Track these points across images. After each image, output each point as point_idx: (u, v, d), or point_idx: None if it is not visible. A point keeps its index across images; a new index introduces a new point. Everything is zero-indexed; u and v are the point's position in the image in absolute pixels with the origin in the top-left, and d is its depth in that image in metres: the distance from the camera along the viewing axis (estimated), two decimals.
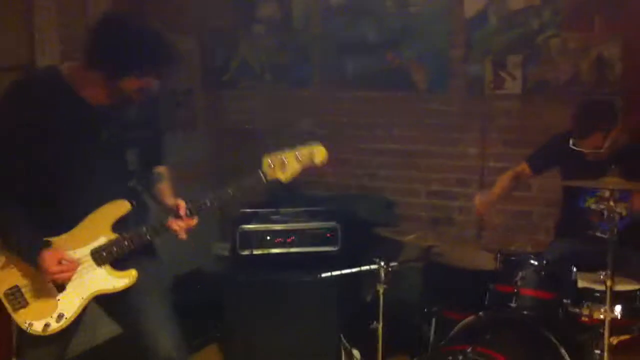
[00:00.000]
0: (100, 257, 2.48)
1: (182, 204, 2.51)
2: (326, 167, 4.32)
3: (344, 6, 4.67)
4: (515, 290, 2.98)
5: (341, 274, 3.25)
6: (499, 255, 3.11)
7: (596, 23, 4.05)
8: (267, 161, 2.55)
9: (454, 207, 4.51)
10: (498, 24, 4.28)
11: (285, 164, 2.56)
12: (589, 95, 3.93)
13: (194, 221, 2.53)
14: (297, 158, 2.58)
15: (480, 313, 3.08)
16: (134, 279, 2.51)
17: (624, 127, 3.39)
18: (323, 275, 3.25)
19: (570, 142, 3.37)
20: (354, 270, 3.16)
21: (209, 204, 2.54)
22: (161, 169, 2.70)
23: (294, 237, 3.80)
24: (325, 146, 2.65)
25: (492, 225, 4.23)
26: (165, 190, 2.64)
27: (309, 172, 4.73)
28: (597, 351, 2.82)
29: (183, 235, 2.52)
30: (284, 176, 2.58)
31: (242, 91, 5.00)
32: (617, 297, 2.82)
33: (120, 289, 2.50)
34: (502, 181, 3.67)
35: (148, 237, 2.49)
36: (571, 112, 3.46)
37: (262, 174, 2.54)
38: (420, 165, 4.60)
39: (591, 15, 4.05)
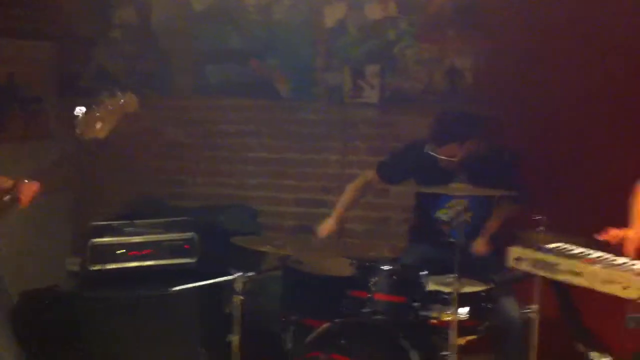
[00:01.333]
0: None
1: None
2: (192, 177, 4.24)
3: (206, 12, 4.60)
4: (369, 296, 3.01)
5: (196, 286, 3.17)
6: (353, 262, 3.13)
7: (449, 35, 4.21)
8: (82, 119, 2.46)
9: (319, 215, 4.52)
10: (357, 33, 4.36)
11: (99, 119, 2.48)
12: (442, 105, 4.07)
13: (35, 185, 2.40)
14: (108, 109, 2.51)
15: (336, 319, 3.09)
16: None
17: (476, 137, 3.52)
18: (175, 288, 3.15)
19: (426, 147, 3.45)
20: (208, 282, 3.09)
21: None
22: None
23: (149, 250, 3.67)
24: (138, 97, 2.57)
25: (351, 233, 4.28)
26: None
27: (175, 182, 4.66)
28: (446, 352, 2.90)
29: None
30: (102, 132, 2.50)
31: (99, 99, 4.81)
32: (464, 299, 2.91)
33: None
34: (347, 195, 3.69)
35: None
36: (428, 120, 3.54)
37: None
38: (288, 173, 4.60)
39: (444, 27, 4.20)
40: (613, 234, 2.58)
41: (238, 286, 3.04)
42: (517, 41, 3.85)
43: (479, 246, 3.36)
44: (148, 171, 4.70)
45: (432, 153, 3.41)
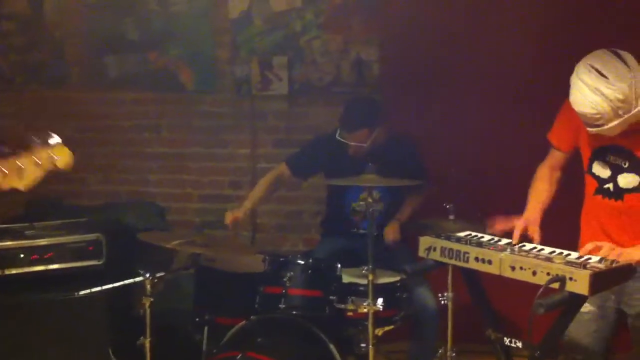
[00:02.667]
0: None
1: None
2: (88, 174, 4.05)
3: (102, 3, 4.42)
4: (284, 291, 2.98)
5: (104, 289, 3.04)
6: (266, 257, 3.09)
7: (354, 25, 4.22)
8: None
9: (226, 210, 4.45)
10: (262, 25, 4.30)
11: (22, 170, 2.28)
12: (350, 95, 4.07)
13: None
14: (35, 162, 2.30)
15: (252, 317, 3.05)
16: None
17: (385, 127, 3.54)
18: (82, 292, 3.01)
19: (337, 133, 3.44)
20: (115, 284, 2.97)
21: None
22: None
23: (52, 253, 3.48)
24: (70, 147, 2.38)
25: (265, 227, 4.23)
26: None
27: (71, 180, 4.44)
28: (363, 344, 2.91)
29: None
30: (22, 184, 2.29)
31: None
32: (379, 290, 2.93)
33: None
34: (259, 187, 3.65)
35: None
36: (337, 111, 3.54)
37: None
38: (192, 168, 4.49)
39: (349, 17, 4.21)
40: (500, 225, 2.65)
41: (147, 287, 2.94)
42: (424, 30, 3.89)
43: (389, 234, 3.39)
44: None
45: (342, 139, 3.41)
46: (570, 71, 2.50)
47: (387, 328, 3.03)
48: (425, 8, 3.85)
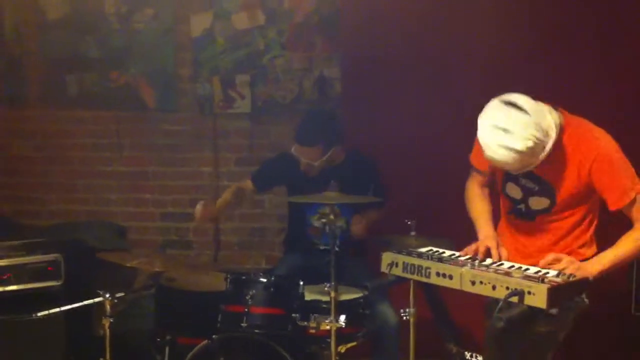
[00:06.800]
0: None
1: None
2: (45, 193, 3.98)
3: (62, 21, 4.38)
4: (246, 310, 2.96)
5: (63, 310, 2.99)
6: (228, 276, 3.07)
7: (317, 43, 4.25)
8: None
9: (189, 229, 4.42)
10: (225, 43, 4.31)
11: None
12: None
13: None
14: None
15: (213, 336, 3.02)
16: None
17: (344, 143, 3.55)
18: (41, 313, 2.95)
19: (293, 148, 3.44)
20: (75, 305, 2.92)
21: None
22: None
23: (10, 274, 3.42)
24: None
25: (228, 245, 4.21)
26: None
27: (30, 199, 4.35)
28: None
29: None
30: None
31: None
32: (342, 307, 2.92)
33: None
34: (225, 194, 3.63)
35: None
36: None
37: None
38: (153, 187, 4.46)
39: (312, 36, 4.24)
40: (472, 250, 2.67)
41: (107, 308, 2.91)
42: (386, 48, 3.93)
43: (356, 228, 3.38)
44: None
45: (295, 153, 3.41)
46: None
47: (349, 345, 3.03)
48: (387, 26, 3.90)
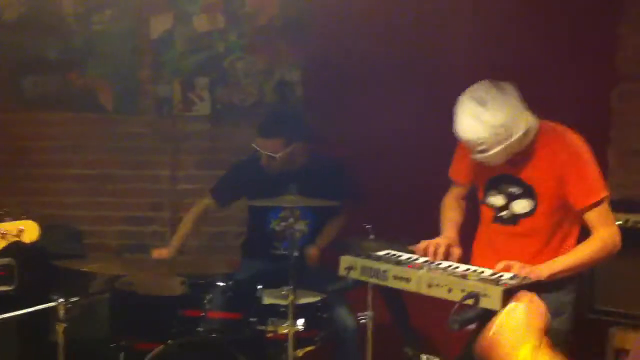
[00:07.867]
0: None
1: None
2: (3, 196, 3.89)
3: (18, 22, 4.30)
4: (203, 314, 2.93)
5: (15, 315, 2.91)
6: (186, 280, 3.03)
7: (278, 47, 4.23)
8: None
9: (148, 233, 4.36)
10: (185, 45, 4.27)
11: None
12: None
13: None
14: (1, 234, 2.24)
15: (169, 341, 2.98)
16: None
17: (305, 146, 3.54)
18: None
19: (254, 142, 3.43)
20: (27, 310, 2.85)
21: None
22: None
23: None
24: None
25: (187, 249, 4.16)
26: None
27: None
28: None
29: None
30: None
31: None
32: (300, 311, 2.91)
33: None
34: (184, 225, 3.61)
35: None
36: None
37: None
38: (111, 190, 4.39)
39: (273, 39, 4.22)
40: (423, 246, 2.69)
41: (61, 313, 2.84)
42: (347, 52, 3.94)
43: (311, 257, 3.39)
44: None
45: (256, 147, 3.39)
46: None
47: (307, 349, 3.01)
48: (348, 30, 3.90)
